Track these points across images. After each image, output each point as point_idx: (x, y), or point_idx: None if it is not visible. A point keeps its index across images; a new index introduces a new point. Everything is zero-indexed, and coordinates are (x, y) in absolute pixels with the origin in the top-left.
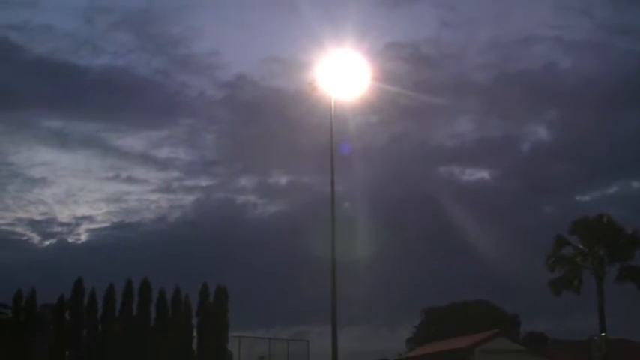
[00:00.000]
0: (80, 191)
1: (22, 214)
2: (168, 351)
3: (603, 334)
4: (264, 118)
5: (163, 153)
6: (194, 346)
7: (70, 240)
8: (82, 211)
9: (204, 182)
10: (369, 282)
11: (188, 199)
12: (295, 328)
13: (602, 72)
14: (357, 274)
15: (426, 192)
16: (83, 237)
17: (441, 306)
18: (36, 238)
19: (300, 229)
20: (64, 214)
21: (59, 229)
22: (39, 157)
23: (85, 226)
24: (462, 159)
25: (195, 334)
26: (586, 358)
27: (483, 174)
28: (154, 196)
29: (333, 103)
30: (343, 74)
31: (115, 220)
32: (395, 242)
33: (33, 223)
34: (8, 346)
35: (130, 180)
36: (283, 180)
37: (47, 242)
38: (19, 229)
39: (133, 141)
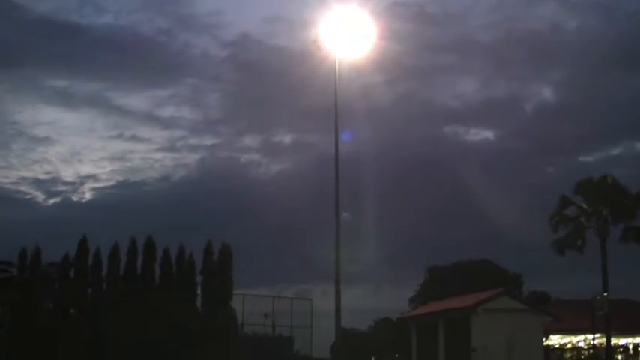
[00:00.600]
0: (84, 150)
1: (26, 173)
2: (172, 309)
3: (606, 293)
4: (268, 77)
5: (167, 112)
6: (198, 303)
7: (74, 199)
8: (87, 169)
9: (208, 141)
10: (372, 241)
11: (192, 158)
12: (299, 286)
13: (608, 33)
14: (361, 233)
15: (430, 152)
16: (87, 196)
17: (445, 265)
18: (40, 197)
19: (304, 188)
20: (68, 173)
21: (63, 187)
22: (43, 116)
23: (90, 184)
24: (467, 119)
25: (199, 292)
26: (588, 317)
27: (488, 134)
28: (158, 155)
29: (337, 63)
30: (348, 33)
31: (120, 178)
32: (399, 202)
33: (37, 182)
34: (13, 304)
35: (134, 139)
36: (287, 139)
37: (52, 201)
38: (23, 188)
39: (137, 100)
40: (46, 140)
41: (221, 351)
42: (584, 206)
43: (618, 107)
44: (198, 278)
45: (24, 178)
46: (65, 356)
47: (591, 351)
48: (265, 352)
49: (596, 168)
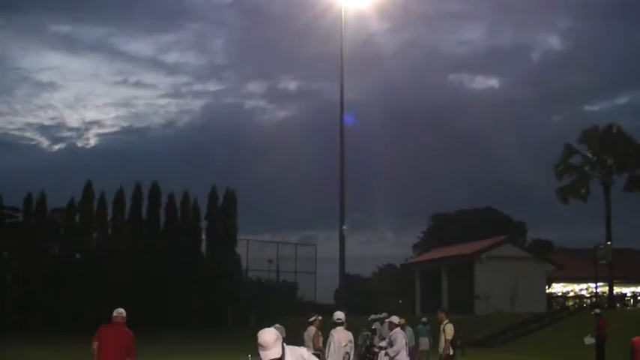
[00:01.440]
0: (89, 95)
1: (31, 119)
2: (177, 254)
3: (609, 242)
4: (274, 22)
5: (172, 57)
6: (203, 249)
7: (79, 144)
8: (91, 115)
9: (213, 87)
10: (376, 188)
11: (197, 104)
12: (303, 232)
13: None
14: (365, 180)
15: (435, 99)
16: (92, 141)
17: (448, 213)
18: (45, 142)
19: (309, 135)
20: (72, 119)
21: (68, 133)
22: (47, 62)
23: (94, 130)
24: (472, 67)
25: (204, 237)
26: (591, 266)
27: (493, 82)
28: (163, 101)
29: (343, 9)
30: None
31: (124, 124)
32: (403, 149)
33: (42, 128)
34: (19, 249)
35: (138, 84)
36: (292, 85)
37: (56, 147)
38: (28, 134)
39: (141, 45)
40: (50, 86)
41: (225, 296)
42: (589, 155)
43: (625, 57)
44: (203, 224)
45: (29, 124)
46: (70, 300)
47: (594, 299)
48: (269, 297)
49: (602, 117)
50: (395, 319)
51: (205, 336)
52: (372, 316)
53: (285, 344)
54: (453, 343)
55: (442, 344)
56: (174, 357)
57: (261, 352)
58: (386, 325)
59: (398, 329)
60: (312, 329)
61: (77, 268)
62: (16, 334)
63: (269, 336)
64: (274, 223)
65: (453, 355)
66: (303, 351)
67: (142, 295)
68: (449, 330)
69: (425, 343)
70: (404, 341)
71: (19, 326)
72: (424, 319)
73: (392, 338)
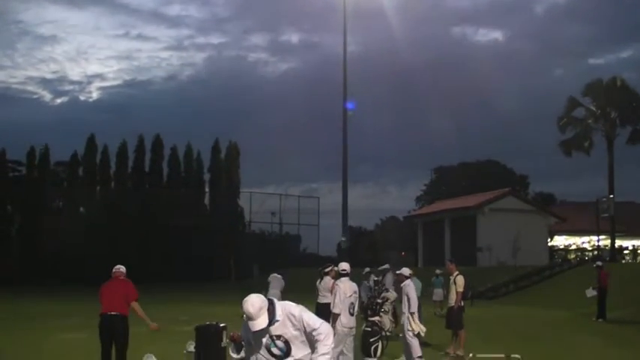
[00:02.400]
0: (90, 48)
1: (33, 72)
2: (180, 206)
3: (612, 195)
4: None
5: (174, 10)
6: (206, 201)
7: (81, 98)
8: (93, 68)
9: (215, 39)
10: (379, 141)
11: (199, 57)
12: (306, 185)
13: None
14: (368, 133)
15: (438, 52)
16: (94, 95)
17: (451, 165)
18: (47, 96)
19: (311, 88)
20: (74, 72)
21: (70, 87)
22: (48, 15)
23: (97, 84)
24: (476, 19)
25: (207, 189)
26: (594, 219)
27: (496, 34)
28: (165, 54)
29: None
30: None
31: (126, 77)
32: (406, 102)
33: (44, 82)
34: (23, 203)
35: (140, 37)
36: (295, 38)
37: (59, 100)
38: (30, 88)
39: None
40: (51, 39)
41: (228, 248)
42: (593, 108)
43: (630, 9)
44: (206, 176)
45: (30, 78)
46: (73, 253)
47: (596, 252)
48: (272, 249)
49: (606, 70)
50: (406, 271)
51: (208, 288)
52: (367, 269)
53: (275, 301)
54: (463, 294)
55: (453, 296)
56: (177, 308)
57: (248, 323)
58: (389, 277)
59: (409, 281)
60: (328, 279)
61: (81, 220)
62: (21, 287)
63: (252, 307)
64: (277, 175)
65: (462, 307)
66: (291, 307)
67: (145, 248)
68: (460, 282)
69: (439, 294)
70: (416, 294)
71: (23, 279)
72: (438, 272)
73: (405, 292)
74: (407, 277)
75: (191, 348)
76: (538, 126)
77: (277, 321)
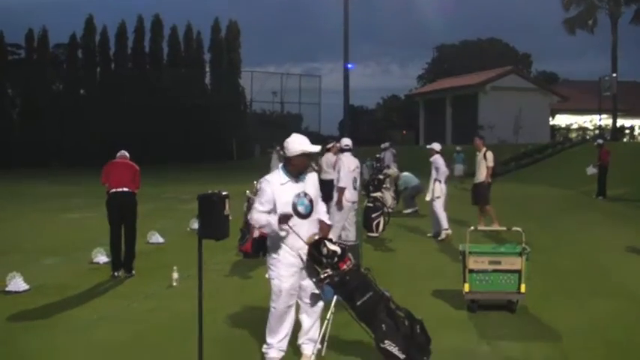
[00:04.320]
0: None
1: None
2: (181, 86)
3: (614, 74)
4: None
5: None
6: (207, 81)
7: None
8: None
9: None
10: (381, 20)
11: None
12: (307, 64)
13: None
14: (370, 11)
15: None
16: None
17: (453, 43)
18: None
19: None
20: None
21: None
22: None
23: None
24: None
25: (207, 69)
26: (596, 98)
27: None
28: None
29: None
30: None
31: None
32: None
33: None
34: (23, 86)
35: None
36: None
37: None
38: None
39: None
40: None
41: (230, 128)
42: None
43: None
44: (207, 56)
45: None
46: (74, 135)
47: (597, 132)
48: (274, 128)
49: None
50: (436, 145)
51: (210, 168)
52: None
53: None
54: (493, 170)
55: (483, 171)
56: (179, 188)
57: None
58: (388, 154)
59: (438, 155)
60: (330, 155)
61: (81, 103)
62: (23, 169)
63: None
64: (279, 54)
65: (490, 182)
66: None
67: (146, 129)
68: (490, 157)
69: (460, 169)
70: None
71: (25, 162)
72: (459, 148)
73: (435, 165)
74: (437, 152)
75: (194, 225)
76: (542, 3)
77: (305, 177)
